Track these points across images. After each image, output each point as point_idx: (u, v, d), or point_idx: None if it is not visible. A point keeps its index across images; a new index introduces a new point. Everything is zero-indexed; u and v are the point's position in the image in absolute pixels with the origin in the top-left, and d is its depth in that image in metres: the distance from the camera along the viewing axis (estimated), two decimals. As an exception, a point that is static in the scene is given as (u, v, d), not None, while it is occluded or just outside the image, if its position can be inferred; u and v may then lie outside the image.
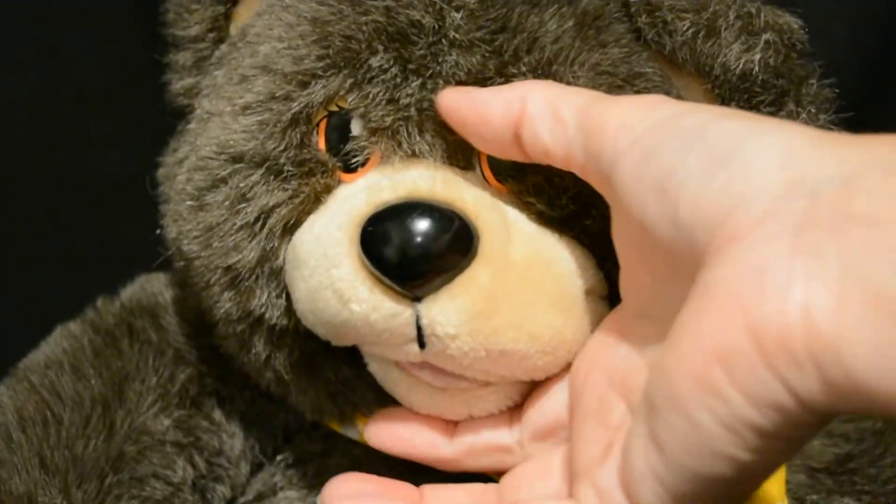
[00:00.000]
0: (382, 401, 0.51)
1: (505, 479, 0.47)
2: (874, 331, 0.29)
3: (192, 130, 0.54)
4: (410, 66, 0.47)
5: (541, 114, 0.43)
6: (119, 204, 0.72)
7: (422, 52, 0.47)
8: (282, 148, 0.48)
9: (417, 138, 0.47)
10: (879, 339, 0.29)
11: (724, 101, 0.48)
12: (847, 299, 0.30)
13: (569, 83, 0.47)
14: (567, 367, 0.47)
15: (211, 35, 0.56)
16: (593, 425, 0.42)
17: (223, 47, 0.55)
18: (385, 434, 0.50)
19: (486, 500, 0.47)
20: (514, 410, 0.49)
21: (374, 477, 0.49)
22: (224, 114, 0.50)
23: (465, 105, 0.45)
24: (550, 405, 0.47)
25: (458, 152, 0.47)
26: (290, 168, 0.48)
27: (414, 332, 0.44)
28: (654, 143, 0.37)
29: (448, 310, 0.43)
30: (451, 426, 0.50)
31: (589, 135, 0.41)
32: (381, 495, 0.47)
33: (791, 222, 0.32)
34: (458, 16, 0.47)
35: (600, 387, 0.43)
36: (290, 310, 0.49)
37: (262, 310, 0.49)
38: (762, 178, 0.33)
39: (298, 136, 0.48)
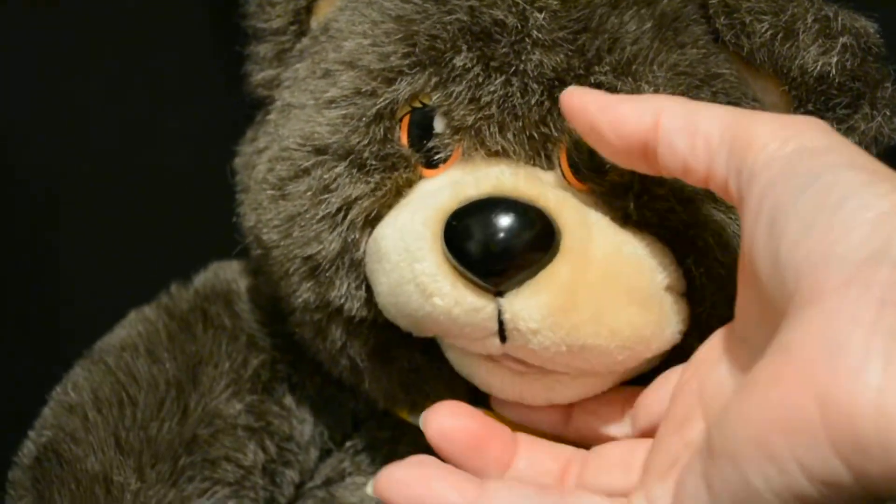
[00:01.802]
0: (454, 390, 0.52)
1: (593, 454, 0.47)
2: None
3: (272, 121, 0.54)
4: (493, 64, 0.48)
5: (679, 128, 0.41)
6: (193, 192, 0.73)
7: (504, 50, 0.48)
8: (366, 142, 0.49)
9: (499, 137, 0.48)
10: None
11: (800, 102, 0.49)
12: None
13: (648, 83, 0.48)
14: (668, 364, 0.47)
15: (292, 28, 0.56)
16: (673, 434, 0.43)
17: (304, 40, 0.56)
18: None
19: (571, 470, 0.47)
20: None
21: (476, 412, 0.47)
22: (307, 106, 0.51)
23: (594, 109, 0.44)
24: (656, 404, 0.46)
25: (540, 151, 0.48)
26: (374, 162, 0.49)
27: (496, 327, 0.45)
28: (781, 174, 0.37)
29: (530, 304, 0.44)
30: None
31: (732, 150, 0.39)
32: (476, 437, 0.46)
33: (874, 295, 0.31)
34: (540, 16, 0.48)
35: (691, 398, 0.43)
36: (369, 301, 0.49)
37: (342, 301, 0.50)
38: (855, 238, 0.33)
39: (382, 130, 0.49)
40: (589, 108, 0.44)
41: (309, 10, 0.56)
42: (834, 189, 0.35)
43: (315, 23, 0.56)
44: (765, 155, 0.38)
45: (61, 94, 0.76)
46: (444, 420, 0.46)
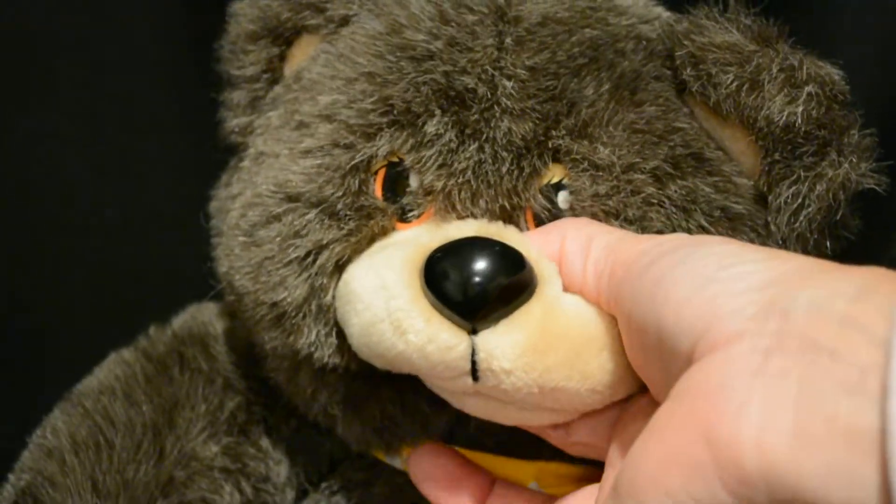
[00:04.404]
0: (429, 434, 0.53)
1: (561, 501, 0.48)
2: (828, 455, 0.30)
3: (246, 168, 0.55)
4: (467, 131, 0.49)
5: (575, 251, 0.46)
6: (171, 234, 0.73)
7: (475, 117, 0.49)
8: (340, 193, 0.49)
9: (469, 204, 0.48)
10: (832, 462, 0.30)
11: (767, 152, 0.49)
12: (802, 424, 0.31)
13: (604, 143, 0.48)
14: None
15: (266, 76, 0.57)
16: (613, 469, 0.44)
17: (277, 88, 0.56)
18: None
19: None
20: None
21: (456, 454, 0.51)
22: (282, 155, 0.52)
23: None
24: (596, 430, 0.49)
25: (508, 220, 0.49)
26: (348, 212, 0.49)
27: (468, 366, 0.45)
28: (655, 258, 0.40)
29: (504, 343, 0.44)
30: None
31: (613, 269, 0.43)
32: (453, 476, 0.50)
33: (763, 343, 0.33)
34: (509, 84, 0.49)
35: (621, 447, 0.45)
36: (341, 348, 0.50)
37: (312, 348, 0.50)
38: (742, 297, 0.35)
39: (357, 182, 0.50)
40: None
41: (282, 57, 0.57)
42: (710, 261, 0.38)
43: (288, 70, 0.57)
44: (640, 257, 0.41)
45: (34, 136, 0.76)
46: (426, 461, 0.50)
